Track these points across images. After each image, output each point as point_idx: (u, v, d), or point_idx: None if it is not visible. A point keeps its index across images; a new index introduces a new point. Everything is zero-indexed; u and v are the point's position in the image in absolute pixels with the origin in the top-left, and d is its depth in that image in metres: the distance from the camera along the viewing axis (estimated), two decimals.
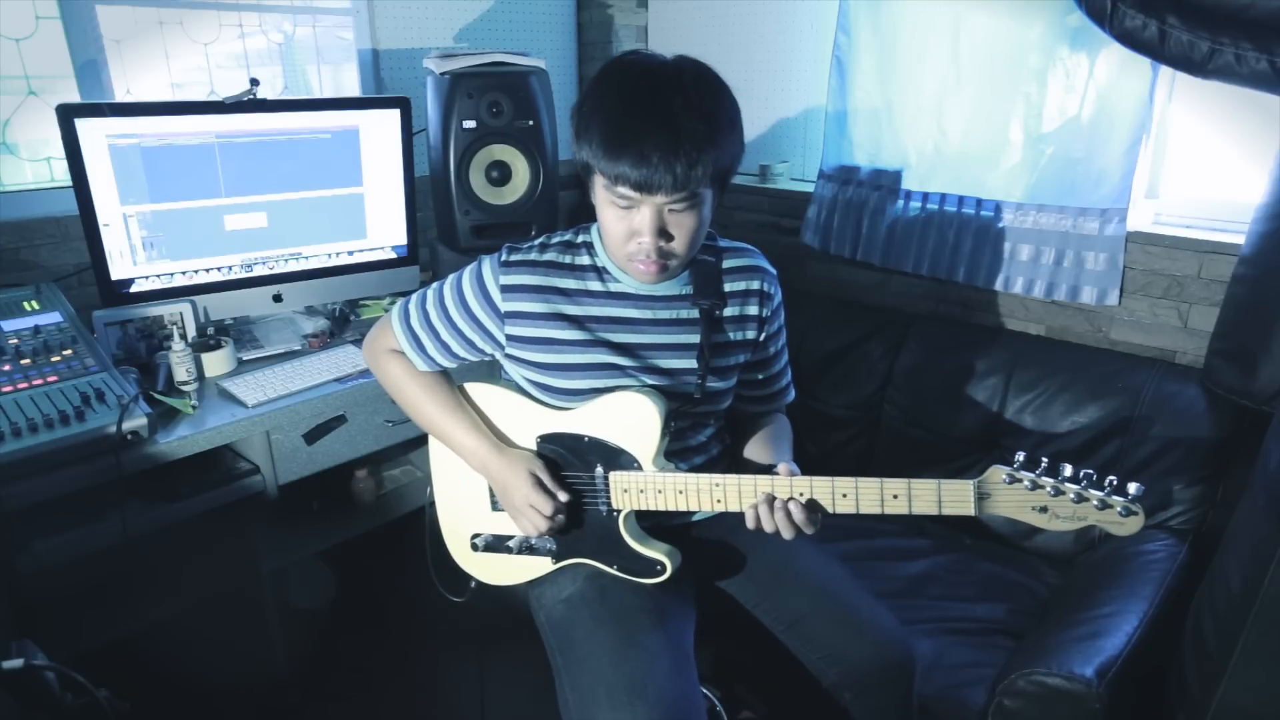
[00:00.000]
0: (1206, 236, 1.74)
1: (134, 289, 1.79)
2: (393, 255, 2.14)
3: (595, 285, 1.23)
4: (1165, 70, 1.65)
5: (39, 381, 1.49)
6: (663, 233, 1.12)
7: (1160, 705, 1.46)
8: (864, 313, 2.16)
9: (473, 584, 1.43)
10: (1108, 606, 1.41)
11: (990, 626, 1.60)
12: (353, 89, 2.35)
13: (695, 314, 1.25)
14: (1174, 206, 1.87)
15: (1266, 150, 1.56)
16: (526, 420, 1.28)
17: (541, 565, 1.32)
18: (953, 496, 1.08)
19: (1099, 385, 1.76)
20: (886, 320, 2.09)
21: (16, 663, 0.92)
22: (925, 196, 2.05)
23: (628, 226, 1.12)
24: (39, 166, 1.93)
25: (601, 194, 1.13)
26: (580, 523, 1.28)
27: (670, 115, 1.05)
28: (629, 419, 1.21)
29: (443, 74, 2.02)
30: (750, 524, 1.16)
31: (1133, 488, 1.02)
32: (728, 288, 1.27)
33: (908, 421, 1.98)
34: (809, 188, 2.28)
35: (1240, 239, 1.61)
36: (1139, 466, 1.68)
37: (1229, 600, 1.29)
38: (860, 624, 1.28)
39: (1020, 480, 1.05)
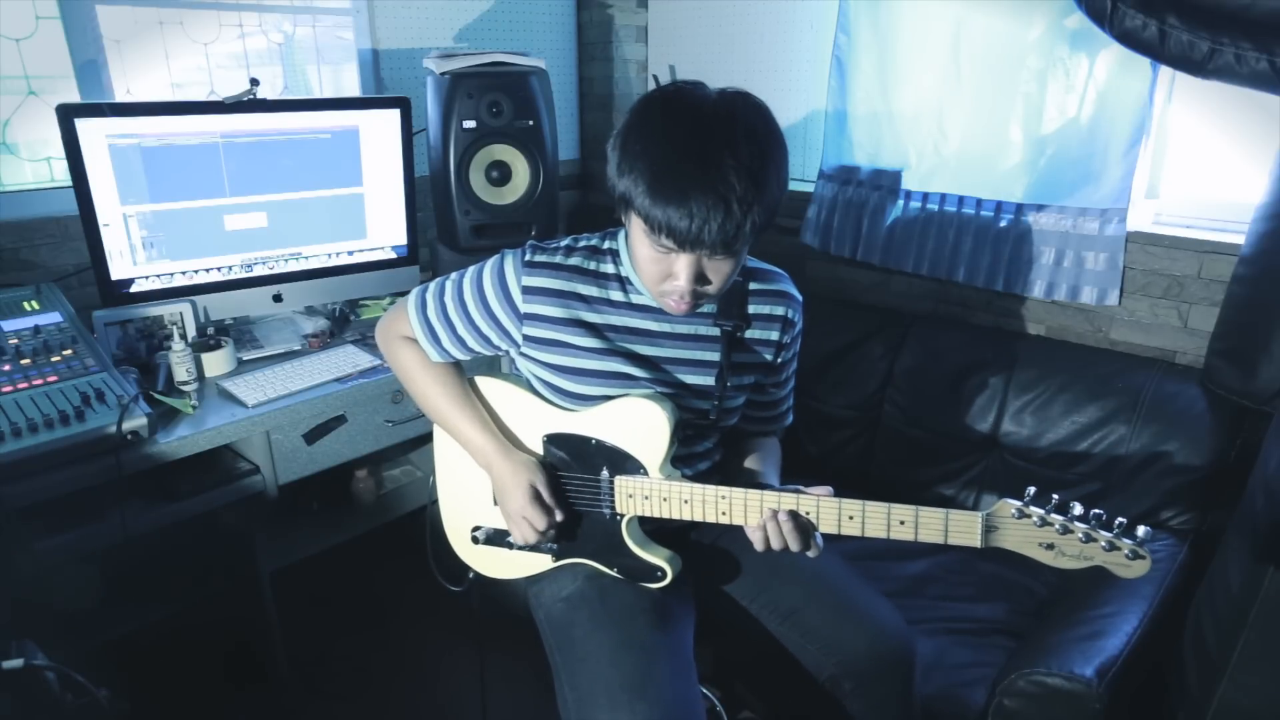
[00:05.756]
0: (1206, 236, 1.74)
1: (134, 289, 1.79)
2: (393, 255, 2.14)
3: (617, 295, 1.22)
4: (1165, 70, 1.65)
5: (39, 381, 1.49)
6: (699, 277, 1.10)
7: (1160, 705, 1.46)
8: (864, 313, 2.16)
9: (471, 574, 1.43)
10: (1108, 606, 1.41)
11: (990, 626, 1.60)
12: (353, 89, 2.35)
13: (716, 332, 1.24)
14: (1174, 206, 1.88)
15: (1266, 150, 1.56)
16: (535, 419, 1.28)
17: (541, 562, 1.32)
18: (960, 527, 1.07)
19: (1099, 385, 1.76)
20: (886, 320, 2.09)
21: (16, 663, 0.92)
22: (925, 196, 2.05)
23: (664, 268, 1.10)
24: (39, 166, 1.93)
25: (638, 231, 1.10)
26: (582, 524, 1.28)
27: (720, 175, 1.00)
28: (638, 425, 1.20)
29: (443, 74, 2.02)
30: (759, 546, 1.16)
31: (1141, 531, 1.00)
32: (752, 309, 1.25)
33: (908, 421, 1.98)
34: (809, 188, 2.28)
35: (1240, 239, 1.61)
36: (1139, 466, 1.68)
37: (1229, 600, 1.29)
38: (857, 613, 1.28)
39: (1029, 515, 1.04)
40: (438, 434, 1.38)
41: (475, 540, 1.37)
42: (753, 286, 1.26)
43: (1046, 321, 1.98)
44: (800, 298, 1.32)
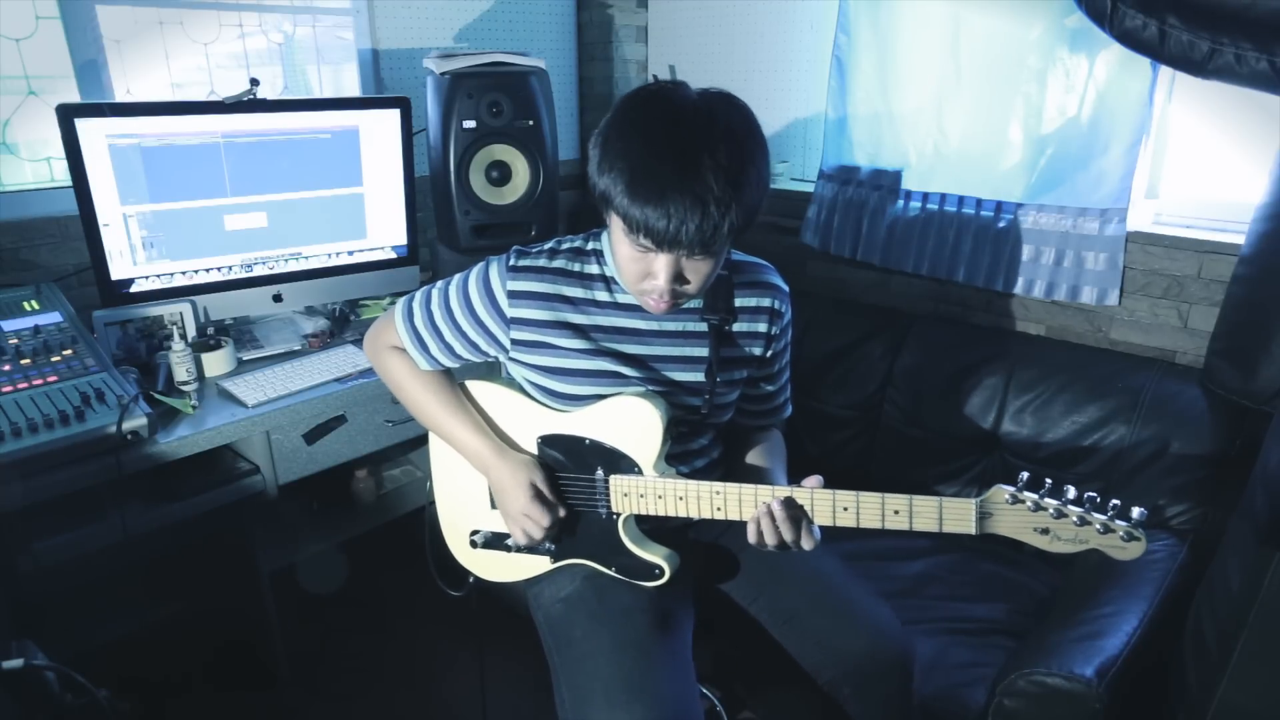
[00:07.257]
0: (1206, 236, 1.74)
1: (134, 289, 1.79)
2: (393, 255, 2.14)
3: (602, 295, 1.22)
4: (1165, 70, 1.65)
5: (39, 381, 1.49)
6: (678, 277, 1.10)
7: (1160, 705, 1.46)
8: (864, 313, 2.16)
9: (471, 579, 1.43)
10: (1108, 606, 1.41)
11: (990, 626, 1.60)
12: (353, 89, 2.35)
13: (703, 327, 1.24)
14: (1174, 206, 1.87)
15: (1266, 150, 1.56)
16: (528, 420, 1.28)
17: (540, 564, 1.32)
18: (954, 515, 1.07)
19: (1099, 385, 1.76)
20: (886, 320, 2.09)
21: (16, 663, 0.92)
22: (925, 196, 2.05)
23: (643, 268, 1.11)
24: (39, 166, 1.93)
25: (618, 230, 1.09)
26: (579, 524, 1.28)
27: (698, 176, 1.01)
28: (631, 423, 1.20)
29: (443, 74, 2.02)
30: (752, 538, 1.16)
31: (1136, 512, 1.00)
32: (738, 302, 1.26)
33: (908, 421, 1.98)
34: (809, 188, 2.28)
35: (1240, 239, 1.61)
36: (1139, 466, 1.68)
37: (1229, 600, 1.29)
38: (856, 618, 1.28)
39: (1023, 501, 1.04)
40: (433, 439, 1.38)
41: (474, 544, 1.37)
42: (738, 279, 1.26)
43: (1046, 321, 1.98)
44: (786, 288, 1.32)
